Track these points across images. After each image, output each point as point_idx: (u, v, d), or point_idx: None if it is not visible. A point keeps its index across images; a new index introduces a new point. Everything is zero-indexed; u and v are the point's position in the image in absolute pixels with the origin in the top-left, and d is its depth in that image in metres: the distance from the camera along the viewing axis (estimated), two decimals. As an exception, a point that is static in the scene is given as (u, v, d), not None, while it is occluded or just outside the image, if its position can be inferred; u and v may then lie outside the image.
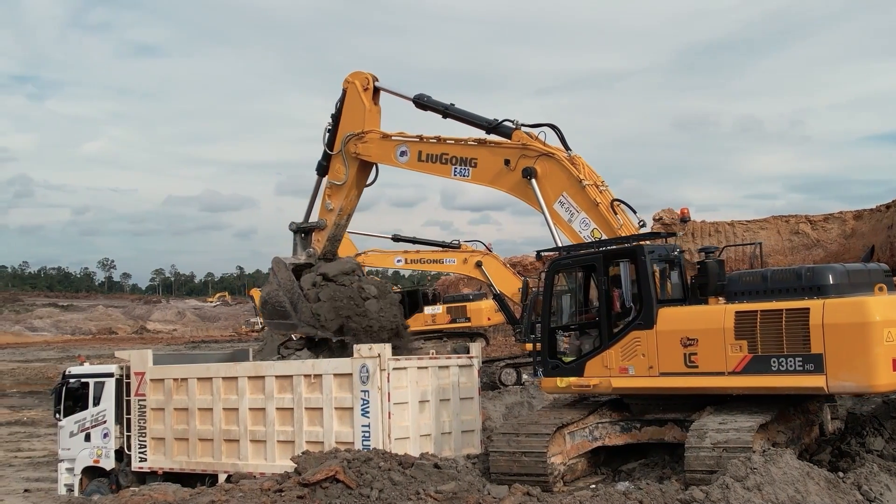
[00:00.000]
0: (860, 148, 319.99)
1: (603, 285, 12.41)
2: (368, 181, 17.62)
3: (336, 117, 17.36)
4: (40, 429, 37.91)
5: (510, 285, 30.54)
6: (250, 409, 15.67)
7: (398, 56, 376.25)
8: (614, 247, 12.78)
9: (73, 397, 18.49)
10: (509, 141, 15.10)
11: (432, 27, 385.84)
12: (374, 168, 17.42)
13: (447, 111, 16.19)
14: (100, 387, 18.03)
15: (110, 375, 17.91)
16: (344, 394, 14.56)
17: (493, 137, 15.47)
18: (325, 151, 17.56)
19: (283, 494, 11.12)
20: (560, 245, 13.83)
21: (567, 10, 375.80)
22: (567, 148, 14.59)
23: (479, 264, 30.91)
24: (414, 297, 38.11)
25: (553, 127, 14.71)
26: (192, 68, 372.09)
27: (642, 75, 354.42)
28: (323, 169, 17.78)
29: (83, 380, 18.42)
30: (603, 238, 13.42)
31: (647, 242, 12.69)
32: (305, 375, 15.09)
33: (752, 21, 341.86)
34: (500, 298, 31.14)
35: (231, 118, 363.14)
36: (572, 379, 12.53)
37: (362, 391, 14.25)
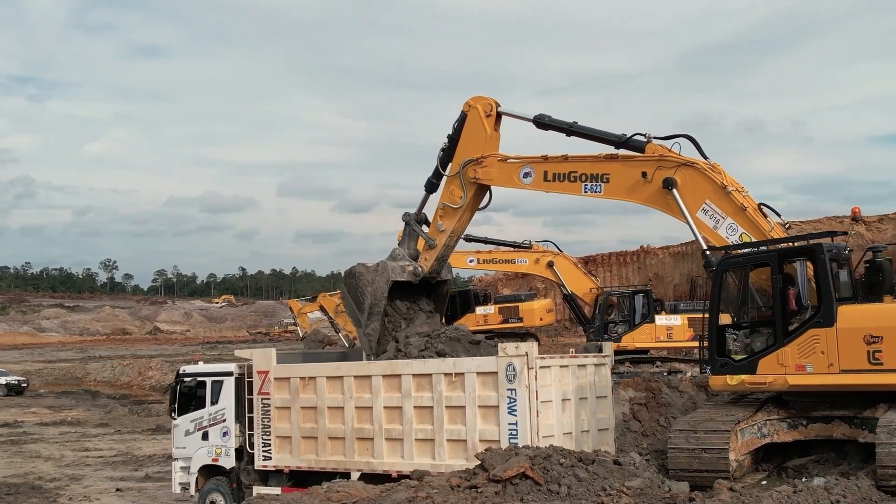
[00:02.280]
0: (863, 149, 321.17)
1: (778, 283, 12.50)
2: (482, 205, 17.64)
3: (453, 139, 17.33)
4: (89, 428, 38.00)
5: (581, 285, 30.70)
6: (385, 407, 15.71)
7: (405, 57, 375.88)
8: (790, 245, 12.88)
9: (189, 396, 18.48)
10: (643, 154, 15.09)
11: (439, 28, 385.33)
12: (488, 191, 17.45)
13: (571, 129, 16.09)
14: (218, 385, 18.01)
15: (229, 374, 17.90)
16: (488, 392, 14.60)
17: (623, 152, 15.39)
18: (437, 170, 17.59)
19: (479, 491, 11.19)
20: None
21: (572, 10, 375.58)
22: (705, 157, 14.63)
23: (550, 264, 31.02)
24: (465, 296, 38.49)
25: (689, 138, 14.75)
26: (196, 69, 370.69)
27: (647, 76, 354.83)
28: (432, 186, 17.89)
29: (199, 378, 18.42)
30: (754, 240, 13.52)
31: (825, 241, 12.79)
32: (446, 374, 15.11)
33: (756, 23, 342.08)
34: (571, 299, 31.24)
35: (234, 119, 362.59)
36: (744, 376, 12.60)
37: (509, 389, 14.30)
